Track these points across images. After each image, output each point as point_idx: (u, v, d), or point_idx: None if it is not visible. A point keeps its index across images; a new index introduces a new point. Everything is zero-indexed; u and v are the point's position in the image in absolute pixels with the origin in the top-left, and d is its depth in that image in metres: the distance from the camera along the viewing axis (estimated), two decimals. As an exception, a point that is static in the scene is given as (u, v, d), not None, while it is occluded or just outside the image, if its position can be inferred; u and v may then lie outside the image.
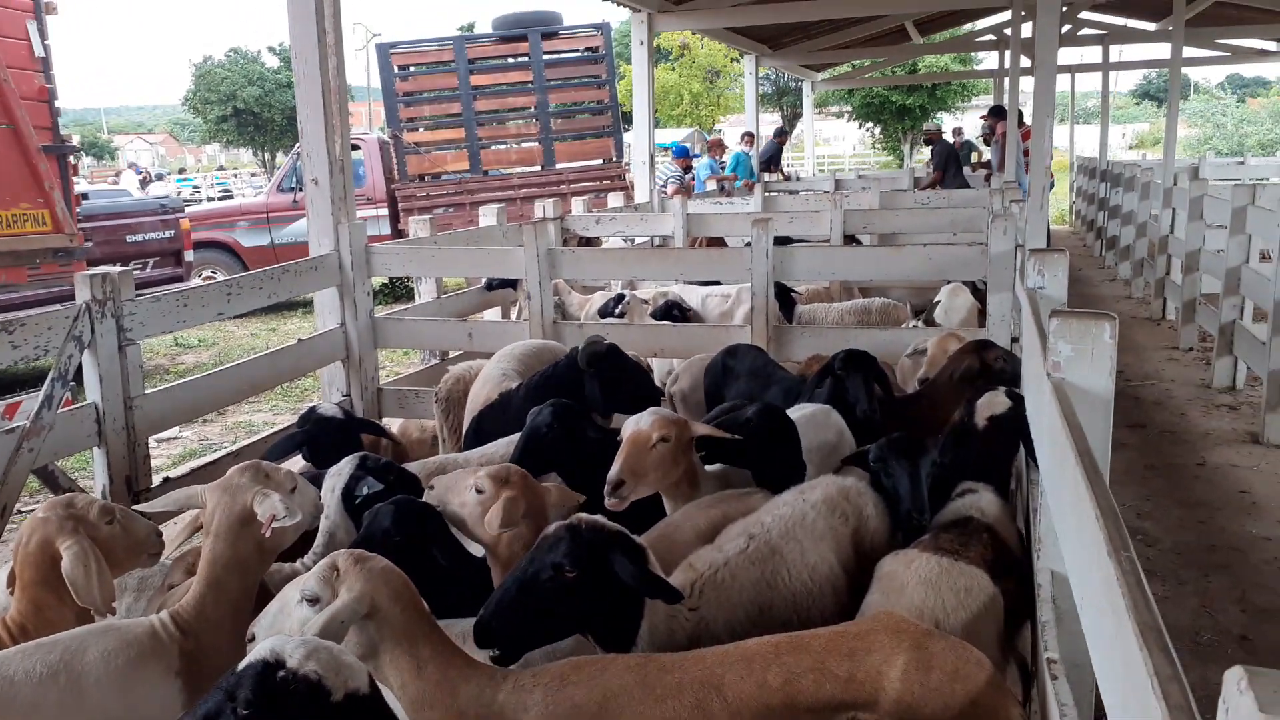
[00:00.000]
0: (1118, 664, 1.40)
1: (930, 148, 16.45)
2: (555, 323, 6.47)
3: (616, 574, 2.39)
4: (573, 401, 3.85)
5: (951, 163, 16.05)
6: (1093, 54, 24.93)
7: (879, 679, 2.14)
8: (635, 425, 3.31)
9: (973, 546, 2.80)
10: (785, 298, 6.72)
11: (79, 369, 4.69)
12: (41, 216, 8.70)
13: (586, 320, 7.34)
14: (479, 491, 2.96)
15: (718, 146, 16.97)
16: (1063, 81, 29.52)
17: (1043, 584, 2.62)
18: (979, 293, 6.41)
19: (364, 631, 2.18)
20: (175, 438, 8.35)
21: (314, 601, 2.22)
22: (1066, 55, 27.01)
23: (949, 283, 6.90)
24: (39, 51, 9.05)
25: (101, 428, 4.74)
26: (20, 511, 6.17)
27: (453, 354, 7.72)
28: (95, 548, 2.80)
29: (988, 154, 17.76)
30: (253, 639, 2.31)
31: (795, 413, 3.99)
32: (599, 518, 2.53)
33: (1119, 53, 26.14)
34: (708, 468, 3.60)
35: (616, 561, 2.41)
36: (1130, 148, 56.76)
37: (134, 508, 3.67)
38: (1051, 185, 11.69)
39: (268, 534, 2.74)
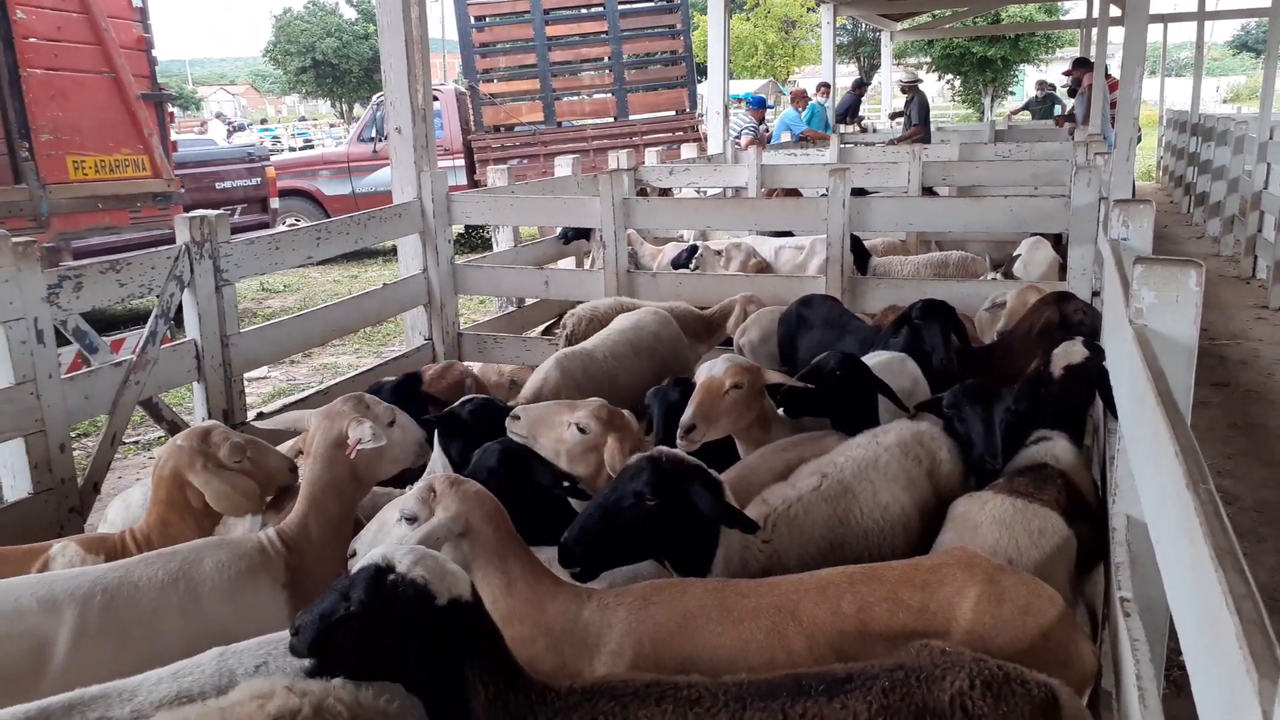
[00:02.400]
0: (1192, 587, 1.45)
1: (907, 98, 15.77)
2: (629, 272, 6.55)
3: (694, 504, 2.50)
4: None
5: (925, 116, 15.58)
6: (1188, 2, 23.80)
7: (952, 610, 2.22)
8: (709, 372, 3.40)
9: (1047, 490, 2.84)
10: (860, 250, 6.69)
11: (179, 308, 4.94)
12: (141, 162, 9.05)
13: (659, 270, 7.40)
14: (581, 431, 3.09)
15: (800, 98, 16.68)
16: (1154, 31, 28.27)
17: (1118, 528, 2.65)
18: (1060, 247, 6.30)
19: (458, 550, 2.30)
20: (264, 377, 8.68)
21: (412, 520, 2.36)
22: (1159, 4, 25.84)
23: (1030, 236, 6.79)
24: (136, 2, 9.35)
25: (200, 364, 4.99)
26: (125, 442, 6.53)
27: (529, 301, 7.87)
28: (226, 474, 3.08)
29: (1072, 106, 17.18)
30: (353, 555, 2.46)
31: (871, 360, 4.03)
32: (679, 451, 2.64)
33: (1215, 1, 24.92)
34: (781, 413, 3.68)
35: (694, 492, 2.51)
36: (1225, 101, 54.16)
37: (255, 423, 3.91)
38: (1138, 139, 11.33)
39: (353, 455, 2.89)
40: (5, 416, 4.00)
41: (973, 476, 3.18)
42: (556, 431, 3.13)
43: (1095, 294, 5.19)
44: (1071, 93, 17.21)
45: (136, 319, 8.42)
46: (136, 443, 7.16)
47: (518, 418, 3.21)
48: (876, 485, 2.94)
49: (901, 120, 16.27)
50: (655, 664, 2.20)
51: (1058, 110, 19.28)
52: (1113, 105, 12.05)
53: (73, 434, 4.54)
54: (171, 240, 4.97)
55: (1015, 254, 6.80)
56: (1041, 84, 22.07)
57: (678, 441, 3.29)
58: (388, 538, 2.39)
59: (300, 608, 2.44)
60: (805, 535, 2.80)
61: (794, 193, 9.46)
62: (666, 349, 5.26)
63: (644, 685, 1.95)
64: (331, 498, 2.89)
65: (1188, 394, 2.51)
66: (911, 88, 15.75)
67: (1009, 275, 6.56)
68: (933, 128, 15.55)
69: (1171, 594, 1.67)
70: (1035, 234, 6.77)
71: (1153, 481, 1.98)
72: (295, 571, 2.75)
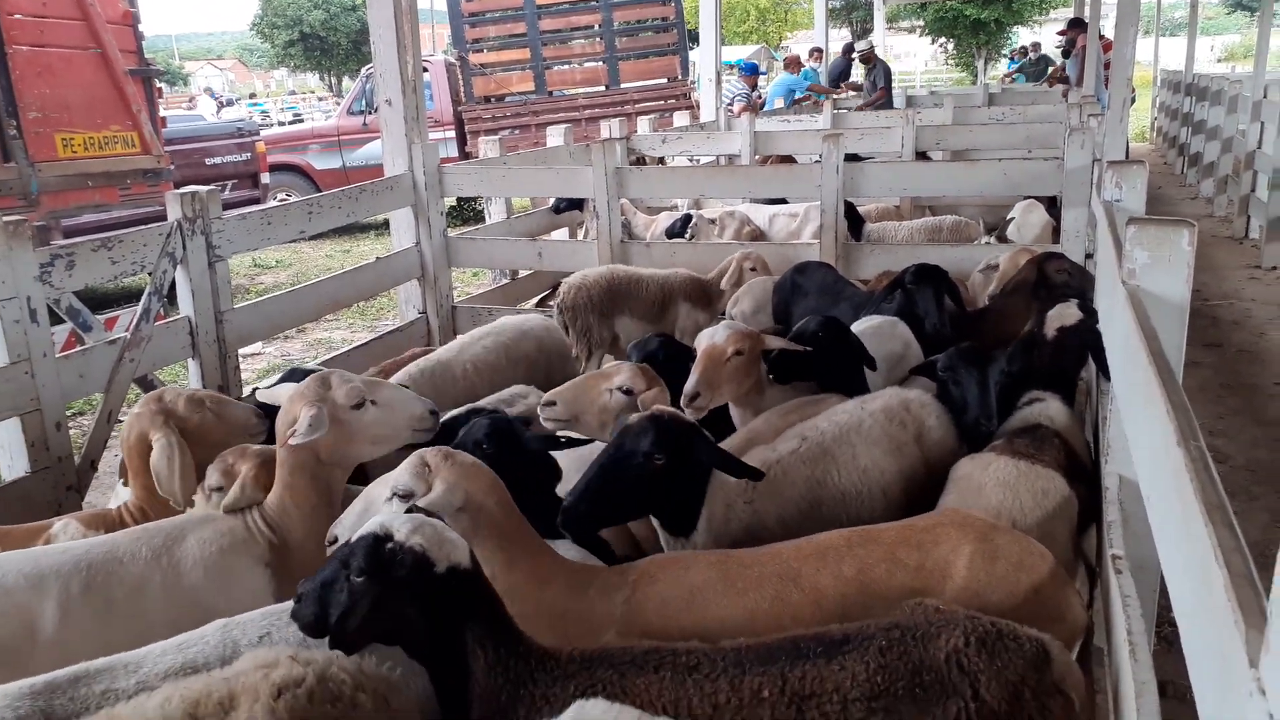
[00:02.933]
0: (1182, 542, 1.47)
1: (868, 66, 16.12)
2: (622, 242, 6.54)
3: (698, 459, 2.54)
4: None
5: (888, 83, 16.01)
6: (1184, -40, 23.56)
7: (947, 568, 2.26)
8: (711, 339, 3.42)
9: (1047, 451, 2.87)
10: (854, 216, 6.68)
11: (172, 285, 4.93)
12: (130, 138, 8.99)
13: (653, 240, 7.38)
14: (627, 393, 3.13)
15: (795, 63, 16.58)
16: (1150, -10, 28.07)
17: (1110, 487, 2.67)
18: (1054, 210, 6.30)
19: (457, 524, 2.26)
20: (258, 353, 8.68)
21: (406, 496, 2.31)
22: (1155, -38, 25.58)
23: (1024, 199, 6.78)
24: (122, -25, 9.25)
25: (195, 340, 4.98)
26: (121, 420, 6.53)
27: (523, 273, 7.85)
28: (182, 441, 3.03)
29: (1066, 69, 17.08)
30: (334, 541, 2.40)
31: (862, 324, 4.04)
32: (676, 411, 2.66)
33: (1211, -41, 24.64)
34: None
35: (699, 447, 2.56)
36: (1219, 60, 53.87)
37: (249, 400, 3.86)
38: (1132, 100, 11.25)
39: (284, 443, 2.74)
40: (1, 396, 4.01)
41: (965, 443, 3.19)
42: (599, 401, 3.15)
43: (1089, 256, 5.19)
44: (1065, 54, 17.10)
45: (129, 297, 8.41)
46: (133, 420, 7.16)
47: (552, 403, 3.20)
48: (857, 449, 2.96)
49: (860, 91, 16.58)
50: (663, 639, 2.21)
51: (1050, 72, 19.18)
52: (1106, 66, 12.00)
53: (69, 412, 4.54)
54: (163, 217, 4.95)
55: (1009, 217, 6.79)
56: (1034, 46, 21.97)
57: (683, 408, 3.32)
58: (385, 511, 2.36)
59: (284, 587, 2.47)
60: (784, 496, 2.84)
61: (788, 159, 9.43)
62: (552, 359, 4.98)
63: (642, 652, 1.98)
64: (301, 480, 2.79)
65: (1180, 353, 2.52)
66: (871, 57, 16.15)
67: (1003, 239, 6.56)
68: (926, 91, 15.58)
69: (1162, 549, 1.69)
70: (1029, 197, 6.77)
71: (1144, 439, 1.99)
72: (278, 550, 2.73)
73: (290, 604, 1.98)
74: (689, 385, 3.30)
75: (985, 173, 6.07)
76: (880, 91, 15.43)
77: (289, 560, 2.73)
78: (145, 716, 1.77)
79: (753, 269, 5.41)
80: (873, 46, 16.43)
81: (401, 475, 2.35)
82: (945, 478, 2.93)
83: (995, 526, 2.37)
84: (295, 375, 3.43)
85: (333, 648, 1.89)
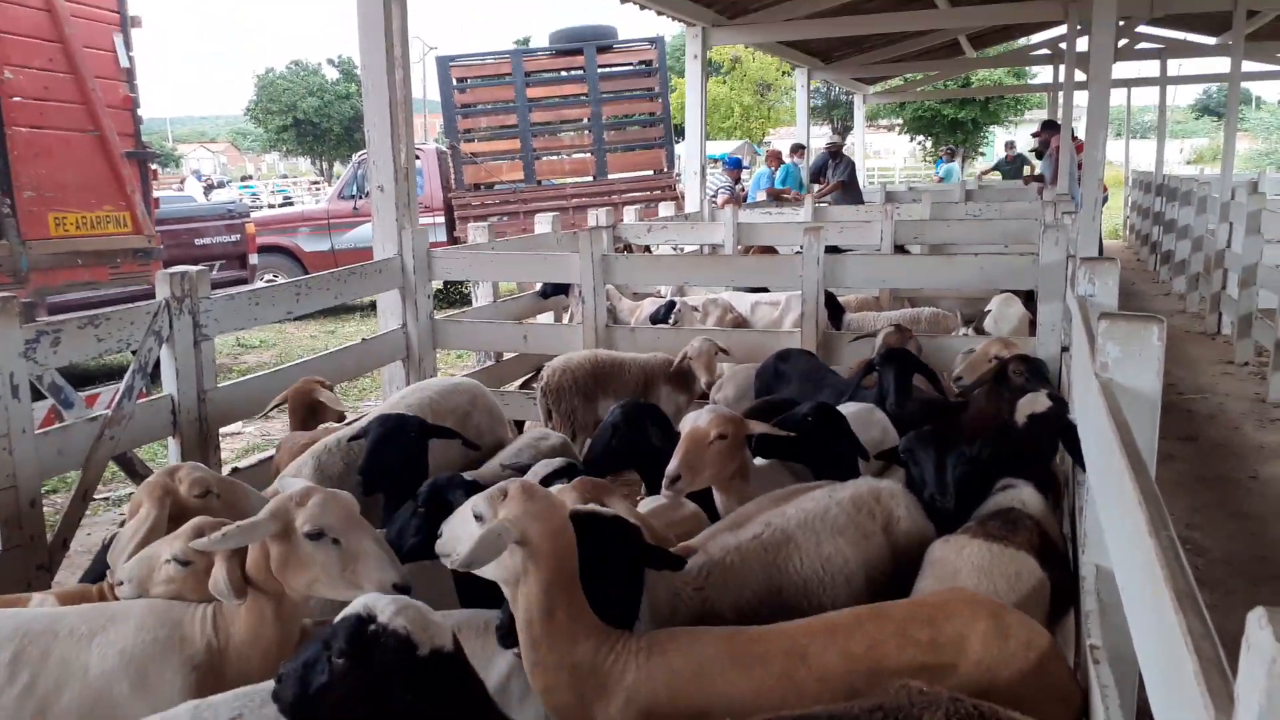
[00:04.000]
0: (1154, 629, 1.49)
1: (834, 160, 16.18)
2: (607, 327, 6.62)
3: (616, 551, 2.51)
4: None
5: (851, 178, 16.09)
6: (1151, 68, 24.56)
7: (961, 643, 2.27)
8: (694, 422, 3.46)
9: (1019, 533, 2.90)
10: (834, 305, 6.80)
11: (157, 363, 4.94)
12: (123, 218, 9.09)
13: (638, 325, 7.48)
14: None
15: (775, 158, 17.02)
16: (1119, 95, 29.14)
17: (1087, 576, 2.70)
18: (1030, 303, 6.44)
19: (513, 557, 2.26)
20: (239, 432, 8.63)
21: (479, 518, 2.35)
22: (1123, 69, 26.67)
23: (1001, 292, 6.93)
24: (124, 62, 9.47)
25: (176, 418, 4.97)
26: (95, 498, 6.45)
27: (507, 356, 7.91)
28: (163, 524, 2.98)
29: (1040, 167, 17.61)
30: (440, 535, 2.45)
31: (841, 411, 4.09)
32: (594, 507, 2.66)
33: (1178, 67, 25.71)
34: (758, 461, 3.73)
35: (617, 539, 2.54)
36: (1188, 163, 55.66)
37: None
38: (1105, 199, 11.58)
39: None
40: (-22, 472, 3.97)
41: (938, 531, 3.21)
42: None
43: (1065, 349, 5.29)
44: (1039, 155, 17.65)
45: (111, 374, 8.39)
46: (107, 499, 7.08)
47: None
48: (820, 536, 2.96)
49: (821, 184, 16.76)
50: (670, 712, 2.22)
51: (1026, 171, 19.77)
52: (1080, 166, 12.39)
53: (43, 489, 4.49)
54: (150, 295, 4.98)
55: (986, 310, 6.93)
56: (1009, 145, 22.64)
57: (663, 491, 3.36)
58: (462, 528, 2.39)
59: (208, 691, 2.39)
60: (741, 582, 2.83)
61: (770, 250, 9.62)
62: (482, 418, 4.76)
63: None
64: (265, 590, 2.61)
65: (1152, 444, 2.58)
66: (837, 151, 16.24)
67: (980, 330, 6.68)
68: (905, 187, 15.91)
69: (1136, 636, 1.71)
70: (1006, 290, 6.92)
71: (1118, 529, 2.03)
72: (214, 654, 2.60)
73: (269, 684, 1.96)
74: (671, 467, 3.32)
75: (963, 267, 6.22)
76: (835, 184, 15.67)
77: (224, 666, 2.59)
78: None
79: (690, 357, 5.42)
80: (838, 144, 16.73)
81: (481, 497, 2.38)
82: (917, 566, 2.94)
83: (1003, 605, 2.40)
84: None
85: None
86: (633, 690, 2.27)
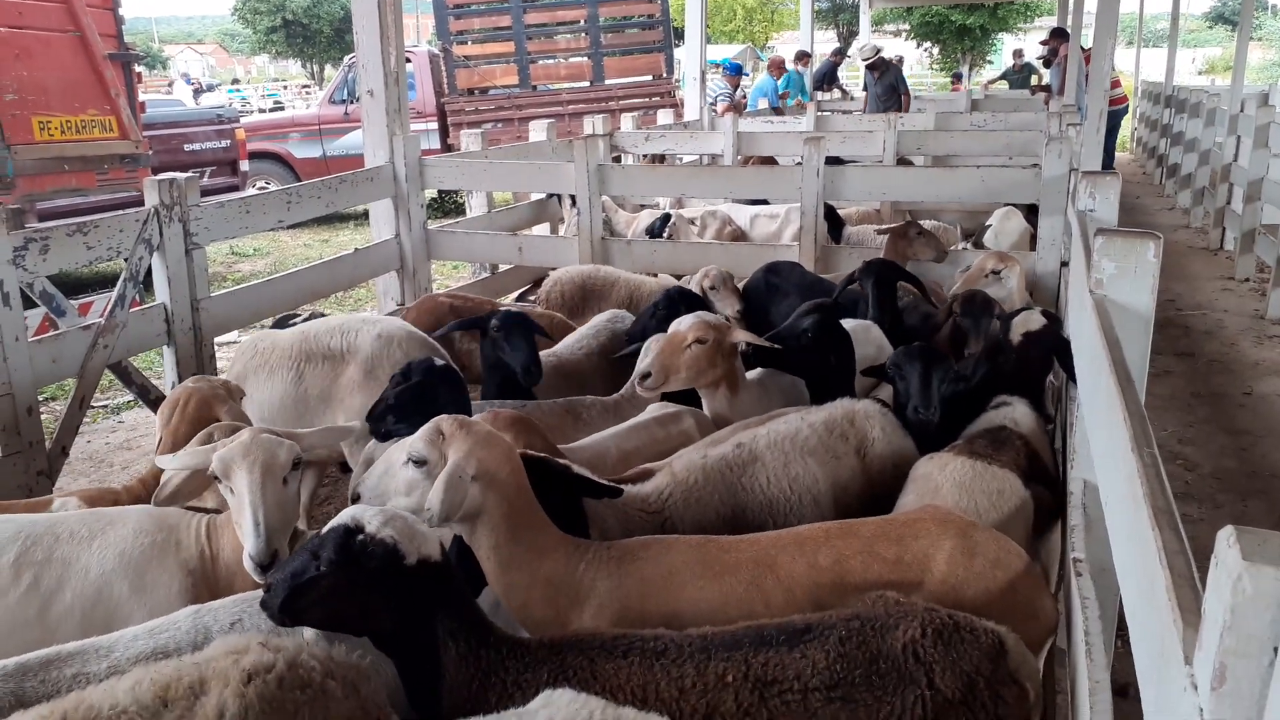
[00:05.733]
0: (1132, 544, 1.51)
1: (879, 72, 14.60)
2: (603, 239, 6.56)
3: (546, 485, 2.48)
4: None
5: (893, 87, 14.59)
6: (1165, -27, 23.79)
7: (926, 562, 2.31)
8: (676, 326, 3.52)
9: (1005, 452, 2.92)
10: (834, 219, 6.73)
11: (148, 271, 4.91)
12: (108, 123, 8.92)
13: (634, 238, 7.41)
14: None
15: (778, 66, 16.58)
16: (1130, 2, 28.34)
17: (1074, 491, 2.73)
18: (1033, 218, 6.39)
19: (469, 492, 2.26)
20: (234, 342, 8.63)
21: (420, 463, 2.31)
22: (1137, -27, 25.88)
23: (1002, 206, 6.86)
24: (102, -41, 9.17)
25: (170, 328, 4.96)
26: (94, 406, 6.49)
27: (503, 267, 7.86)
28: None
29: (1048, 77, 17.24)
30: (356, 498, 2.42)
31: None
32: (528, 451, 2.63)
33: (1193, -29, 24.91)
34: (750, 374, 3.75)
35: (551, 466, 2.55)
36: (1200, 73, 54.44)
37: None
38: (1125, 110, 11.28)
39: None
40: (-27, 379, 3.98)
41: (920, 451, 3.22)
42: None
43: (1064, 264, 5.26)
44: (1047, 63, 17.27)
45: (104, 282, 8.34)
46: (105, 406, 7.12)
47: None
48: (789, 457, 2.98)
49: (866, 95, 15.56)
50: (640, 617, 2.27)
51: (1033, 81, 19.35)
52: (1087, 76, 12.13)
53: (40, 397, 4.52)
54: (140, 203, 4.92)
55: (987, 224, 6.87)
56: (1018, 53, 22.13)
57: (636, 387, 3.46)
58: (394, 480, 2.36)
59: (201, 598, 2.44)
60: (703, 501, 2.87)
61: (770, 160, 9.48)
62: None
63: (611, 639, 2.01)
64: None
65: (1143, 362, 2.58)
66: (880, 62, 14.74)
67: (979, 245, 6.64)
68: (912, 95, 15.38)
69: (1115, 550, 1.74)
70: (1007, 204, 6.85)
71: (1103, 445, 2.05)
72: (206, 561, 2.67)
73: (261, 592, 2.00)
74: (643, 364, 3.42)
75: (964, 179, 6.14)
76: (906, 95, 14.44)
77: (216, 574, 2.66)
78: (116, 700, 1.78)
79: (711, 288, 5.03)
80: (879, 50, 15.37)
81: (416, 441, 2.34)
82: (895, 489, 2.96)
83: (974, 524, 2.42)
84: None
85: (294, 624, 1.91)
86: (605, 597, 2.33)
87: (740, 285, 5.23)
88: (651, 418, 3.52)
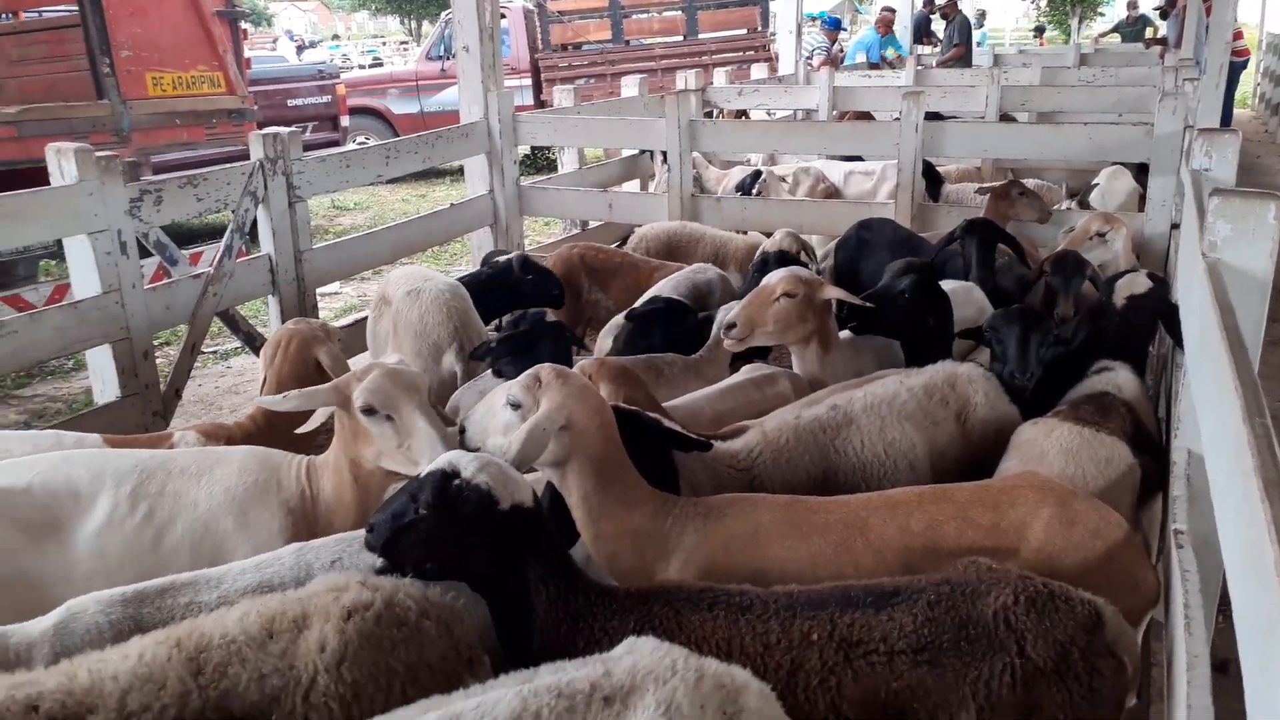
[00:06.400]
0: (1240, 517, 1.46)
1: (947, 20, 14.83)
2: (693, 196, 6.52)
3: (636, 437, 2.52)
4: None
5: (966, 40, 14.68)
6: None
7: (1023, 530, 2.26)
8: (767, 279, 3.50)
9: (1112, 418, 2.83)
10: (932, 176, 6.56)
11: (254, 223, 5.09)
12: (216, 79, 9.21)
13: (724, 195, 7.35)
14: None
15: (885, 24, 16.05)
16: (1262, -53, 26.57)
17: (1177, 461, 2.64)
18: (1142, 178, 6.12)
19: (558, 441, 2.32)
20: (336, 293, 8.89)
21: (516, 407, 2.38)
22: (1269, -84, 24.21)
23: (1110, 165, 6.58)
24: (212, -84, 9.40)
25: (275, 278, 5.15)
26: (204, 351, 6.79)
27: (593, 224, 7.89)
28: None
29: (1164, 29, 16.34)
30: (463, 431, 2.50)
31: (935, 288, 3.99)
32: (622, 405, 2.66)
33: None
34: (842, 334, 3.70)
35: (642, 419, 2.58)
36: (1335, 23, 50.87)
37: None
38: (1246, 63, 10.70)
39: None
40: (93, 324, 4.21)
41: (1023, 416, 3.14)
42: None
43: (1175, 226, 5.04)
44: (1164, 14, 16.36)
45: (213, 233, 8.66)
46: (214, 352, 7.43)
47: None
48: (886, 421, 2.93)
49: (936, 46, 15.45)
50: (726, 573, 2.29)
51: (1149, 34, 18.36)
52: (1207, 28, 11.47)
53: (155, 342, 4.74)
54: (246, 157, 5.09)
55: (1093, 183, 6.61)
56: (1132, 4, 21.02)
57: (723, 338, 3.46)
58: (494, 420, 2.43)
59: (300, 536, 2.54)
60: (793, 462, 2.84)
61: (866, 116, 9.26)
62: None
63: (697, 592, 2.04)
64: (338, 449, 2.76)
65: (1259, 330, 2.46)
66: (951, 9, 15.09)
67: (1084, 205, 6.39)
68: (1014, 50, 14.91)
69: (1220, 523, 1.68)
70: (1116, 163, 6.56)
71: (1212, 414, 1.97)
72: (307, 501, 2.78)
73: (363, 532, 2.08)
74: (730, 315, 3.41)
75: (1071, 137, 5.90)
76: (957, 48, 14.69)
77: (316, 514, 2.77)
78: (226, 629, 1.88)
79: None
80: (956, 2, 15.43)
81: (515, 387, 2.40)
82: (996, 456, 2.90)
83: (1074, 492, 2.36)
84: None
85: (394, 567, 1.98)
86: (691, 552, 2.35)
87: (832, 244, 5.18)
88: (748, 379, 3.50)
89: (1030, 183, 6.90)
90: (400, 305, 4.22)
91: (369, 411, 2.60)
